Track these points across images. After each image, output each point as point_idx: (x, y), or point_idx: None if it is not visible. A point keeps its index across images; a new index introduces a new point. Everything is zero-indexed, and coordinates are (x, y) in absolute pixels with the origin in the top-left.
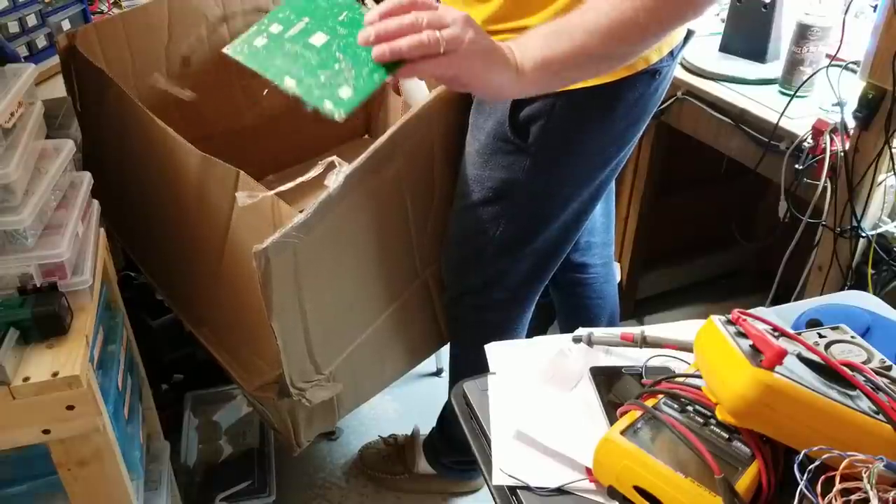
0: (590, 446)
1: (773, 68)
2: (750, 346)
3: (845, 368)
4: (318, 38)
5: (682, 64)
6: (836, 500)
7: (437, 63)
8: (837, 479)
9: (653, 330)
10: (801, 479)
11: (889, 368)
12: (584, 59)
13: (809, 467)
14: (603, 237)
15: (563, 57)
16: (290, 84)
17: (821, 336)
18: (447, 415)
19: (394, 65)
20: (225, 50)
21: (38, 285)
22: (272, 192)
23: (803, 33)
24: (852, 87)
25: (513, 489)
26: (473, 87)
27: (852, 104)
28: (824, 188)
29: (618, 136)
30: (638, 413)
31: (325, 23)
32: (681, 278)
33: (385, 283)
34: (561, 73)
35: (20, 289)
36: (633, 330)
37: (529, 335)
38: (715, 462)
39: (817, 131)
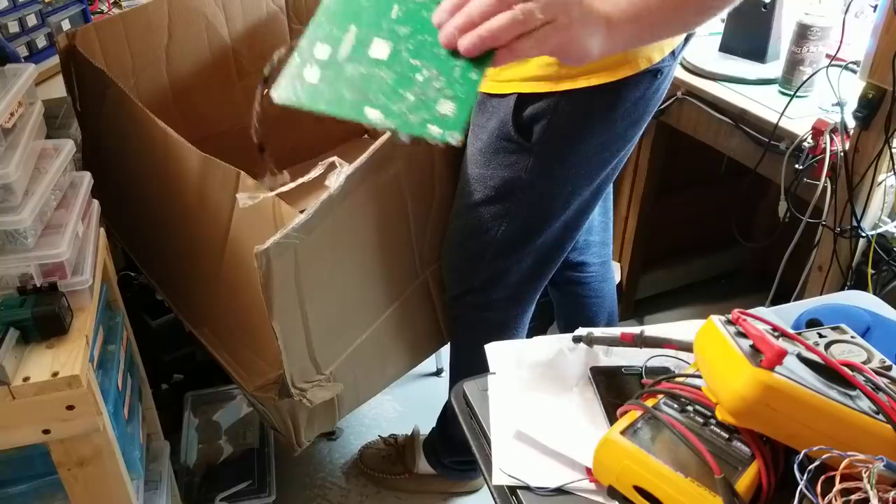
0: (590, 446)
1: (773, 68)
2: (750, 346)
3: (845, 368)
4: (380, 49)
5: (682, 64)
6: (835, 500)
7: (536, 39)
8: (837, 479)
9: (653, 330)
10: (801, 479)
11: (889, 368)
12: (678, 7)
13: (809, 467)
14: (601, 236)
15: (654, 6)
16: (374, 116)
17: (821, 336)
18: (447, 415)
19: (487, 56)
20: (275, 98)
21: (38, 285)
22: (273, 192)
23: (803, 33)
24: (852, 87)
25: (513, 489)
26: (568, 55)
27: (852, 104)
28: (824, 188)
29: (619, 135)
30: (638, 413)
31: (379, 26)
32: (681, 278)
33: (385, 283)
34: (652, 28)
35: (20, 289)
36: (633, 330)
37: (529, 335)
38: (715, 462)
39: (817, 131)
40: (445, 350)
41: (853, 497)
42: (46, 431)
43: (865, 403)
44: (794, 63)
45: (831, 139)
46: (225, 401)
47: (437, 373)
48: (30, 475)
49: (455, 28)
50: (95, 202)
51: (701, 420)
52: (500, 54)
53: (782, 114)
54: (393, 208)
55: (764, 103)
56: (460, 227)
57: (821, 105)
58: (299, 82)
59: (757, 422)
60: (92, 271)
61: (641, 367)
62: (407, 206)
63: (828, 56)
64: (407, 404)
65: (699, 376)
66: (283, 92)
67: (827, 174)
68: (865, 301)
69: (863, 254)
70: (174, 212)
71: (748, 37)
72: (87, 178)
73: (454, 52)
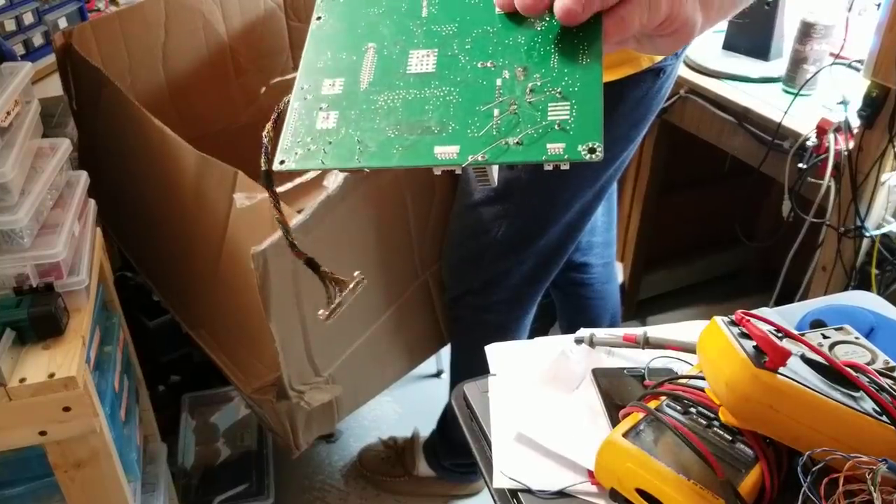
0: (592, 449)
1: (777, 66)
2: (753, 347)
3: (849, 370)
4: (422, 61)
5: (685, 62)
6: (839, 502)
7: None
8: (841, 481)
9: (655, 331)
10: (805, 482)
11: (893, 370)
12: None
13: (813, 469)
14: (604, 237)
15: None
16: (449, 153)
17: (825, 337)
18: (447, 417)
19: (594, 29)
20: (283, 168)
21: (35, 285)
22: None
23: (807, 31)
24: (856, 86)
25: (514, 492)
26: (681, 26)
27: (856, 103)
28: (828, 187)
29: (622, 135)
30: (640, 415)
31: (409, 33)
32: (683, 278)
33: (385, 284)
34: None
35: (16, 289)
36: (636, 331)
37: (531, 336)
38: (718, 464)
39: (821, 130)
40: (445, 351)
41: (857, 499)
42: (43, 433)
43: (869, 405)
44: (797, 61)
45: (835, 138)
46: (222, 402)
47: (438, 374)
48: (26, 477)
49: None
50: (92, 202)
51: (704, 422)
52: (607, 25)
53: (786, 112)
54: (393, 208)
55: (767, 101)
56: (460, 227)
57: (824, 103)
58: (310, 136)
59: (760, 423)
60: (88, 271)
61: (644, 369)
62: (407, 205)
63: (831, 54)
64: (407, 406)
65: (702, 378)
66: (290, 157)
67: (831, 173)
68: (869, 301)
69: (867, 254)
70: (171, 211)
71: (751, 35)
72: (83, 178)
73: (539, 36)
